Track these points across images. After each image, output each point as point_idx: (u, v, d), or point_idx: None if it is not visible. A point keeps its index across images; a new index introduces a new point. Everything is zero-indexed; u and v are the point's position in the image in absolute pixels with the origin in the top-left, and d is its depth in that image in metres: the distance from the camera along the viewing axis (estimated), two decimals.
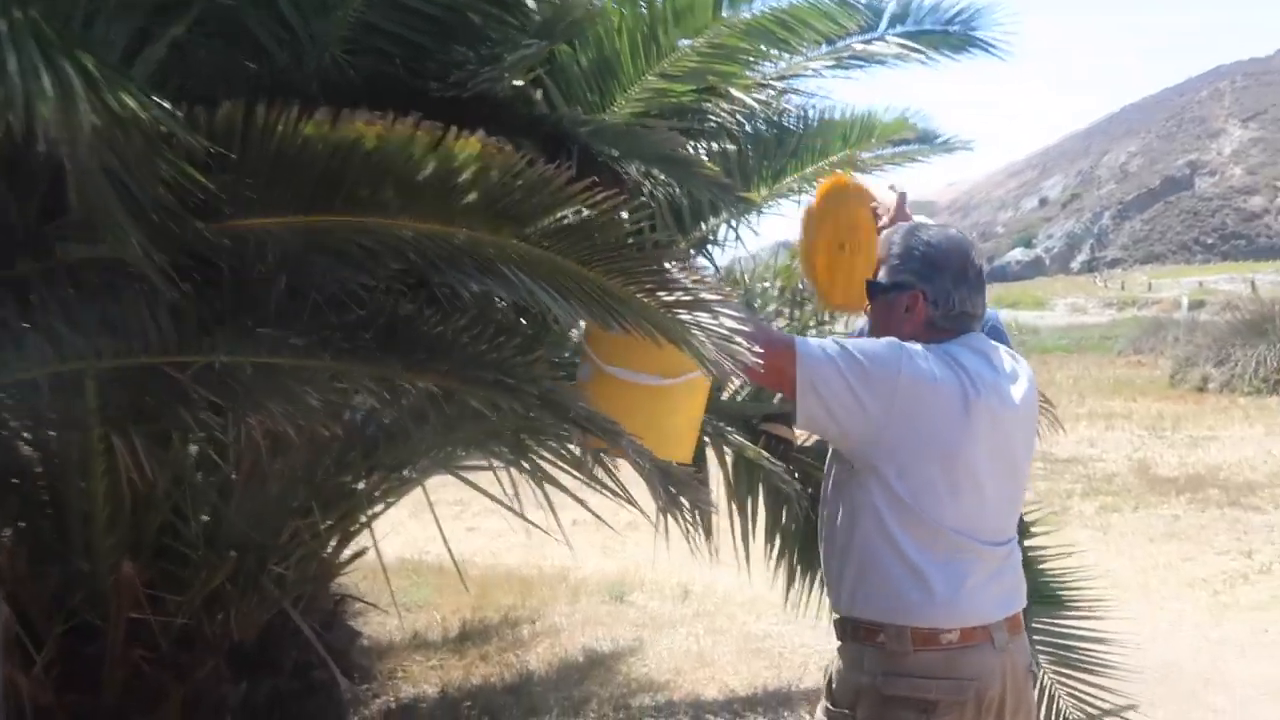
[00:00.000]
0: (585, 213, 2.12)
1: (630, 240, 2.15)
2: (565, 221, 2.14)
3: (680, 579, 6.85)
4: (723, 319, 2.03)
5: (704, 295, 2.05)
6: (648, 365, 2.33)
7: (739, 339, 2.01)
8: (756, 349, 2.04)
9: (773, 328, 2.40)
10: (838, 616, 2.41)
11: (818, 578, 4.15)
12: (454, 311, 2.61)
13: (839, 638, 2.41)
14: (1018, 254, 75.46)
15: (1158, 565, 7.69)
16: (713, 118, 4.49)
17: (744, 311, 2.19)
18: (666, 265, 2.13)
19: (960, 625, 2.25)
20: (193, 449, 3.48)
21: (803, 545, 4.12)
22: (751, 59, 4.27)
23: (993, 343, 2.39)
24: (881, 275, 2.38)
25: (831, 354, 2.21)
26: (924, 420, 2.21)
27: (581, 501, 4.01)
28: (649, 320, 2.10)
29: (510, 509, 4.11)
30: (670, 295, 2.06)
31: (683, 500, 2.39)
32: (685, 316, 2.04)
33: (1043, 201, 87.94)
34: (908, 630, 2.25)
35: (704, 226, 4.65)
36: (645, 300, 2.09)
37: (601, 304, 2.16)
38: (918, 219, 3.64)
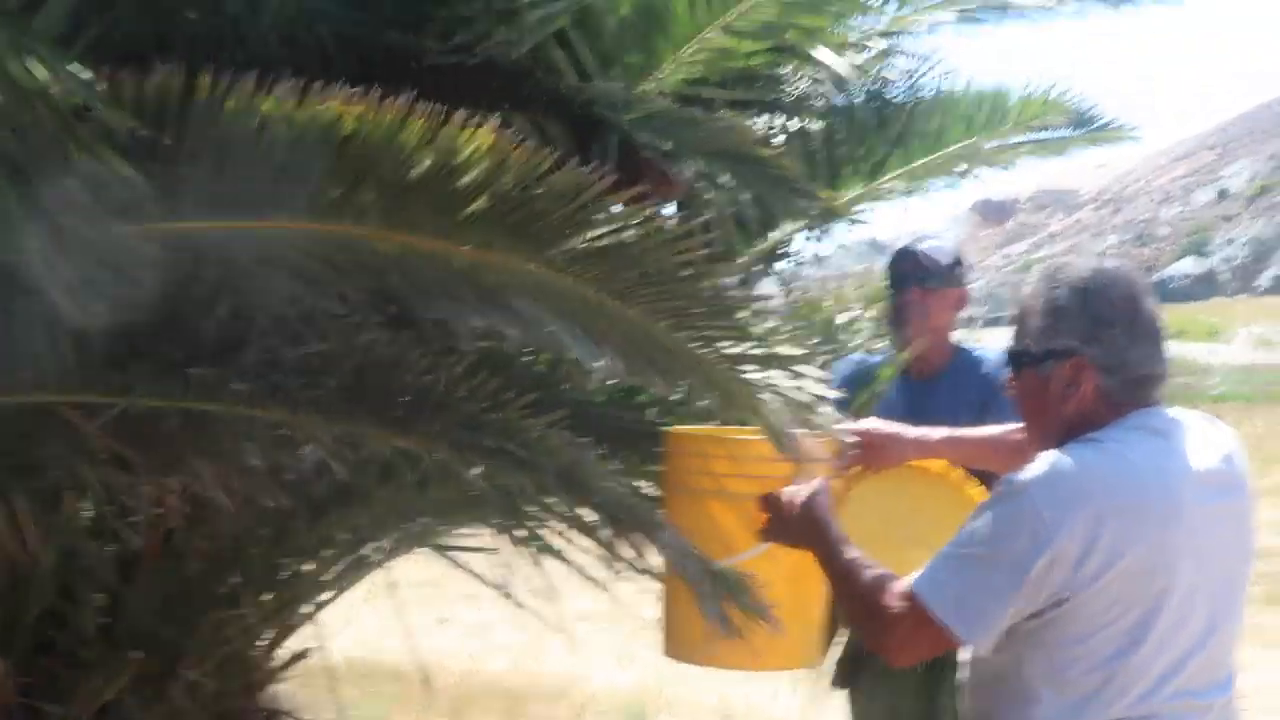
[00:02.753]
0: (628, 231, 2.13)
1: (687, 272, 2.17)
2: (600, 242, 2.17)
3: (720, 694, 6.82)
4: (806, 381, 2.06)
5: (782, 350, 2.07)
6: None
7: (827, 412, 2.04)
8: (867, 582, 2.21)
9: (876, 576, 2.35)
10: None
11: None
12: (446, 354, 2.63)
13: None
14: (1186, 265, 75.05)
15: None
16: (790, 88, 4.53)
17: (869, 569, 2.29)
18: (733, 305, 2.16)
19: None
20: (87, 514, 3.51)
21: None
22: (843, 10, 4.31)
23: (1176, 415, 2.33)
24: (1026, 343, 2.33)
25: (955, 571, 2.22)
26: (1096, 558, 2.15)
27: (596, 583, 3.99)
28: (707, 377, 2.12)
29: (502, 592, 4.10)
30: (737, 346, 2.09)
31: (731, 611, 2.41)
32: (754, 376, 2.06)
33: (1222, 195, 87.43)
34: None
35: (773, 235, 4.69)
36: (702, 352, 2.11)
37: (643, 353, 2.18)
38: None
